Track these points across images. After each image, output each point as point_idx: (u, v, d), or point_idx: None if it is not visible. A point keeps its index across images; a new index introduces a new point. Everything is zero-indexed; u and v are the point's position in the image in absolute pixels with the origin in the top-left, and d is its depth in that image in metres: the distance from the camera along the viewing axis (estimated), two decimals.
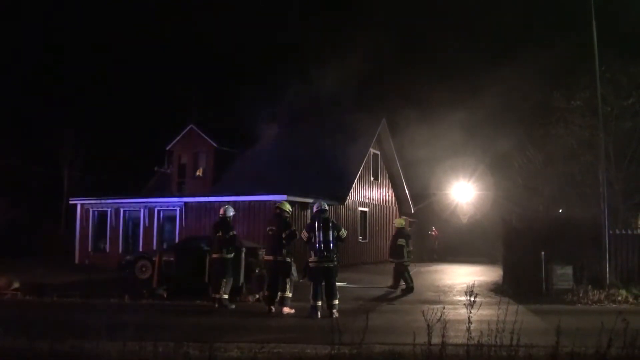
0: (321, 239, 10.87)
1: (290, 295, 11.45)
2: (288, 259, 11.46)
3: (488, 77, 43.20)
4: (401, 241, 15.97)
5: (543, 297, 13.56)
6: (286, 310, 11.23)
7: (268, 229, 11.63)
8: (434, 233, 33.09)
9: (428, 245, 32.14)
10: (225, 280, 12.18)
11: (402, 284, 15.64)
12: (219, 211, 12.95)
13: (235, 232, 12.68)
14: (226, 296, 12.16)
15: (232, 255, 12.46)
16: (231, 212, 12.91)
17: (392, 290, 15.57)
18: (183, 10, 60.63)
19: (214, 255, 12.43)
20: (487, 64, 43.84)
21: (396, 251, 15.96)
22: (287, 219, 11.79)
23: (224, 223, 12.59)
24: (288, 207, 11.93)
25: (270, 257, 11.48)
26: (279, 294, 11.32)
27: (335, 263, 11.01)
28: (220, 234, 12.37)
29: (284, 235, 11.36)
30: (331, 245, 10.91)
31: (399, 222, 16.90)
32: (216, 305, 12.02)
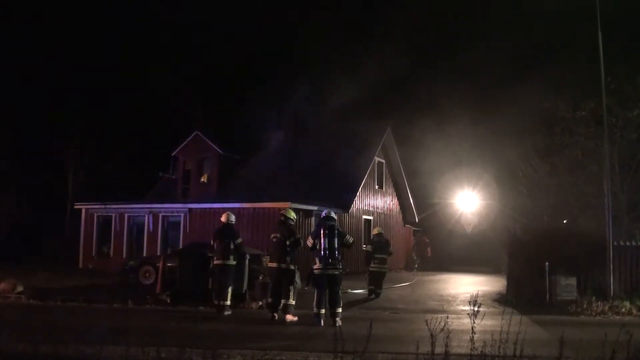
0: (326, 245, 10.85)
1: (294, 302, 11.45)
2: (292, 267, 11.45)
3: (493, 86, 43.22)
4: (367, 247, 17.13)
5: (547, 307, 13.51)
6: (289, 317, 11.21)
7: (272, 236, 11.62)
8: (426, 240, 33.00)
9: (421, 253, 31.95)
10: (229, 287, 12.21)
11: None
12: (221, 218, 12.99)
13: (241, 239, 12.71)
14: (228, 302, 12.18)
15: (236, 262, 12.48)
16: (234, 218, 12.97)
17: (374, 294, 16.03)
18: (189, 15, 60.90)
19: (217, 262, 12.44)
20: (492, 73, 43.81)
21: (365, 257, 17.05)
22: (292, 227, 11.80)
23: (230, 230, 12.62)
24: (293, 215, 11.95)
25: (275, 264, 11.46)
26: (283, 301, 11.31)
27: (340, 271, 10.99)
28: (227, 241, 12.40)
29: (288, 243, 11.37)
30: (336, 252, 10.88)
31: (375, 230, 17.78)
32: (218, 312, 12.04)
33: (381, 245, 16.64)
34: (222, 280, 12.31)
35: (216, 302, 12.27)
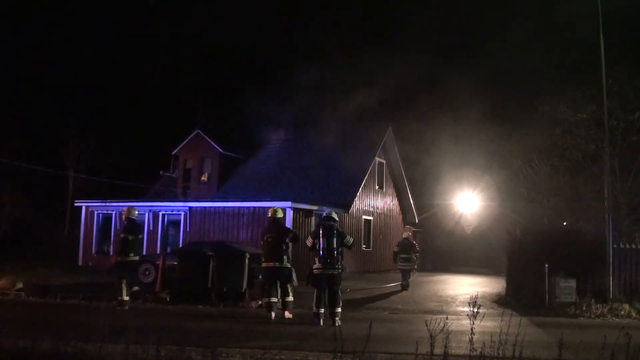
0: (325, 245, 10.88)
1: (292, 299, 11.56)
2: (289, 265, 11.51)
3: (495, 88, 43.21)
4: (395, 248, 19.52)
5: (546, 309, 13.52)
6: (287, 314, 11.35)
7: (267, 236, 11.54)
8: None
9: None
10: (125, 282, 12.53)
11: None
12: (123, 213, 13.42)
13: (141, 236, 12.95)
14: (127, 298, 12.47)
15: (138, 258, 12.83)
16: (136, 213, 13.21)
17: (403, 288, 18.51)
18: (190, 14, 60.89)
19: (119, 259, 12.65)
20: (494, 75, 43.82)
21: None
22: (284, 224, 11.89)
23: (133, 225, 12.89)
24: (281, 213, 12.03)
25: (271, 264, 11.40)
26: (282, 299, 11.40)
27: (339, 270, 11.00)
28: (127, 236, 12.67)
29: (287, 240, 11.40)
30: (335, 252, 10.90)
31: (404, 234, 20.33)
32: (115, 306, 12.27)
33: (406, 246, 19.04)
34: (121, 276, 12.57)
35: (120, 299, 12.46)
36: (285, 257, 11.42)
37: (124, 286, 12.43)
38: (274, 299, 11.35)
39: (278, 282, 11.40)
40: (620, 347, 5.59)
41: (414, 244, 19.72)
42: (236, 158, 29.21)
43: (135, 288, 12.99)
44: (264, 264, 11.68)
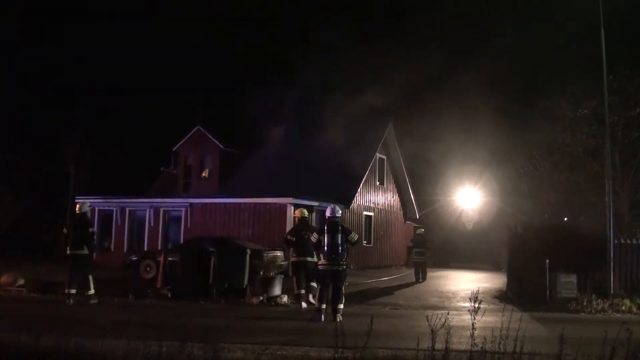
0: (329, 242, 10.90)
1: (304, 292, 12.37)
2: (315, 259, 12.16)
3: (495, 84, 43.09)
4: (410, 243, 22.00)
5: (547, 305, 13.51)
6: (304, 305, 12.17)
7: (302, 232, 12.57)
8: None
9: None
10: (87, 275, 12.57)
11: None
12: (76, 208, 13.54)
13: (94, 230, 13.25)
14: (73, 291, 12.45)
15: (87, 252, 12.76)
16: (87, 208, 13.43)
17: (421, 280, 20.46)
18: (191, 10, 60.82)
19: (73, 252, 12.65)
20: (494, 72, 43.67)
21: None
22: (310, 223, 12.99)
23: (82, 219, 13.01)
24: (307, 213, 13.32)
25: (302, 258, 12.54)
26: (297, 290, 12.42)
27: (344, 267, 11.02)
28: (79, 230, 12.75)
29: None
30: (339, 248, 10.91)
31: (418, 230, 22.70)
32: (69, 302, 12.26)
33: (420, 242, 21.10)
34: (77, 270, 12.59)
35: (66, 291, 12.47)
36: (314, 253, 12.24)
37: (73, 280, 12.55)
38: (303, 291, 12.40)
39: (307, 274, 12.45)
40: (621, 342, 5.59)
41: (426, 240, 21.48)
42: (237, 154, 29.22)
43: (91, 292, 12.56)
44: (293, 259, 12.88)
